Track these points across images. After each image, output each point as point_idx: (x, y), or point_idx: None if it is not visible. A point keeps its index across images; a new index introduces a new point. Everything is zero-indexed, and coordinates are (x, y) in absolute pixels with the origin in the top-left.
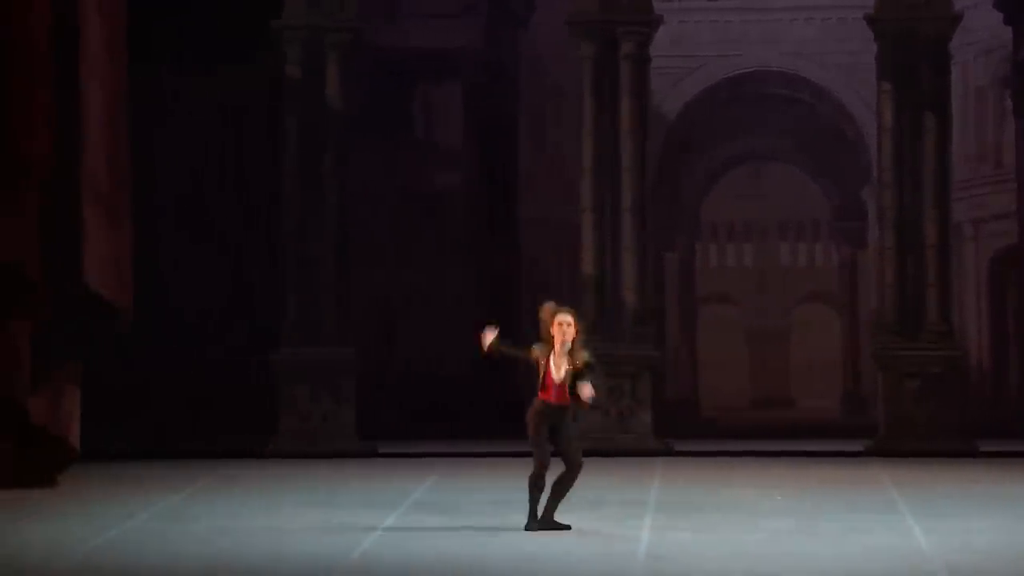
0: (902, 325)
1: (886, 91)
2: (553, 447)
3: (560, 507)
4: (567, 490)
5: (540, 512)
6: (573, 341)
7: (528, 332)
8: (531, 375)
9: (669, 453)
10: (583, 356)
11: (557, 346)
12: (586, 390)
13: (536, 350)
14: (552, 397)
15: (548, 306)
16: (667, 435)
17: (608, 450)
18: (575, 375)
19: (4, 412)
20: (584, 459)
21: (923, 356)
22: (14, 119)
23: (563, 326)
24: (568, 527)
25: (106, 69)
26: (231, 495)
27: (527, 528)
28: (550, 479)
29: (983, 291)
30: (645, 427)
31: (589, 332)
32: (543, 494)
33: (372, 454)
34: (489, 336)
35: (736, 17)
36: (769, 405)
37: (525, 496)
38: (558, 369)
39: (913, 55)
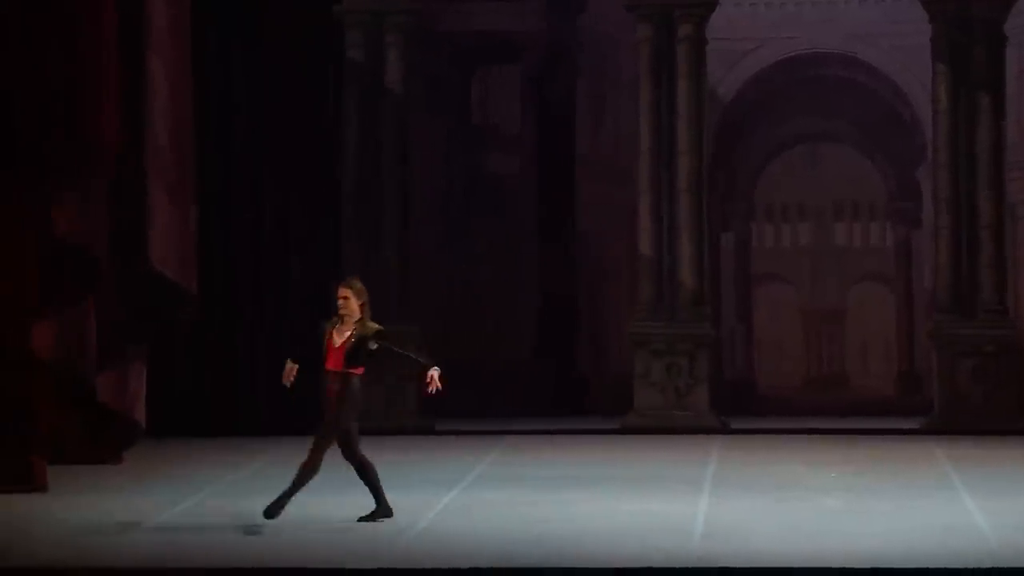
0: (957, 304)
1: (941, 72)
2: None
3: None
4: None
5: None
6: (359, 310)
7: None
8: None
9: (726, 431)
10: (372, 326)
11: (346, 318)
12: (433, 372)
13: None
14: (328, 363)
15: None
16: (724, 413)
17: (665, 427)
18: (361, 339)
19: (72, 390)
20: (642, 436)
21: (978, 335)
22: (84, 101)
23: (338, 300)
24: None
25: (171, 50)
26: (292, 472)
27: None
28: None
29: None
30: (702, 405)
31: (648, 311)
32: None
33: (433, 431)
34: (291, 374)
35: None
36: (825, 384)
37: (579, 473)
38: (340, 336)
39: (968, 37)
